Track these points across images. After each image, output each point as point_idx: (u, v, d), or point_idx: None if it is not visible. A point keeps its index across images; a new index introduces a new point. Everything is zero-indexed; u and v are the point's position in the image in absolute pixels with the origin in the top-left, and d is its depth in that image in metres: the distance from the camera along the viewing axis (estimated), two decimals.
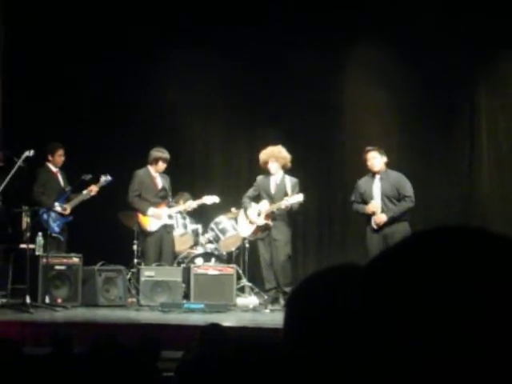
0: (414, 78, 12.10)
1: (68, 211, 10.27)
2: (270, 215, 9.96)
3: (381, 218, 9.34)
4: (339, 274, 1.48)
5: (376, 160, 9.51)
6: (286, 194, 9.91)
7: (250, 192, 10.18)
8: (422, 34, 11.89)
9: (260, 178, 10.19)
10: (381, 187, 9.51)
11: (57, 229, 10.20)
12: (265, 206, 9.99)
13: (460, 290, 0.96)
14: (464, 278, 0.97)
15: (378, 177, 9.55)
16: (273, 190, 10.03)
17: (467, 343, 0.95)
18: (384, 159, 9.56)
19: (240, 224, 10.41)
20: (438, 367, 0.97)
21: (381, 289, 1.15)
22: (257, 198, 10.13)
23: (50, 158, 10.44)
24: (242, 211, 10.32)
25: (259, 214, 10.02)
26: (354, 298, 1.34)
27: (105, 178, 10.36)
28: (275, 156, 9.98)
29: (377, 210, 9.39)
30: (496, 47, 11.92)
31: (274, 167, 9.99)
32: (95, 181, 10.33)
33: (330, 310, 1.38)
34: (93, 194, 10.34)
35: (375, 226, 9.37)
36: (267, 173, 10.10)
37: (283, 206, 9.78)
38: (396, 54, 12.18)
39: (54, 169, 10.48)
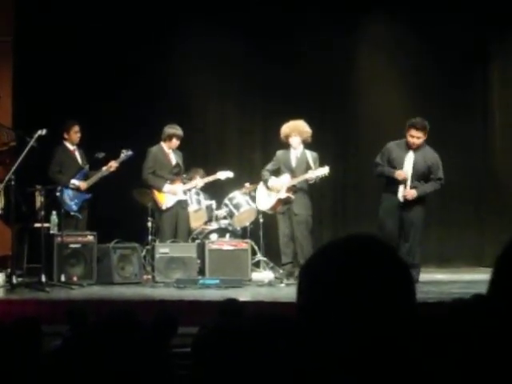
0: (426, 51, 12.02)
1: (84, 187, 10.23)
2: (292, 188, 9.88)
3: (412, 192, 9.06)
4: (354, 243, 1.46)
5: (420, 140, 9.10)
6: (307, 168, 9.84)
7: (269, 166, 10.10)
8: (434, 7, 11.81)
9: (280, 152, 10.08)
10: (414, 161, 9.15)
11: (74, 207, 10.19)
12: (286, 179, 9.92)
13: None
14: None
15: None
16: (294, 163, 9.95)
17: None
18: (425, 137, 9.14)
19: (259, 197, 10.31)
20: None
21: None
22: (275, 173, 10.06)
23: (65, 136, 10.38)
24: (260, 184, 10.25)
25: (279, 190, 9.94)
26: (375, 267, 1.31)
27: (125, 153, 10.26)
28: (299, 130, 9.91)
29: (407, 178, 9.06)
30: (509, 21, 11.80)
31: (297, 141, 9.90)
32: (115, 156, 10.27)
33: (346, 279, 1.35)
34: (112, 169, 10.27)
35: (402, 199, 9.11)
36: (286, 147, 10.02)
37: (308, 178, 9.74)
38: (408, 29, 12.11)
39: (71, 147, 10.43)
